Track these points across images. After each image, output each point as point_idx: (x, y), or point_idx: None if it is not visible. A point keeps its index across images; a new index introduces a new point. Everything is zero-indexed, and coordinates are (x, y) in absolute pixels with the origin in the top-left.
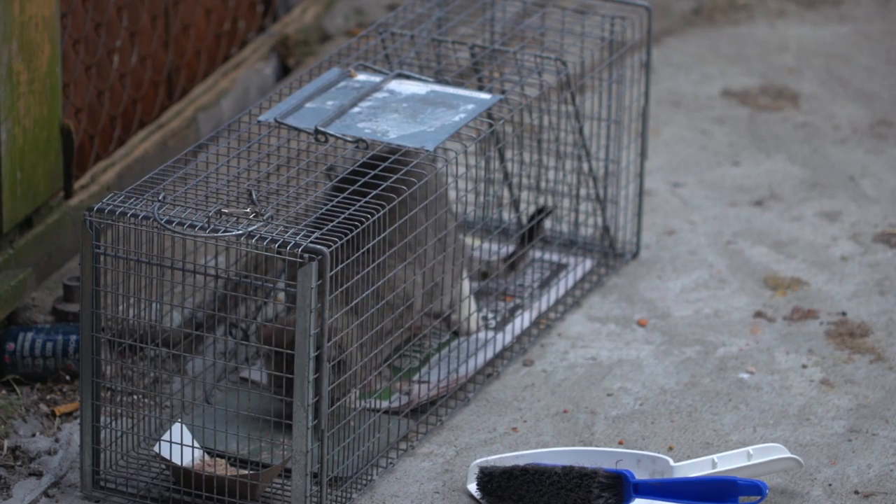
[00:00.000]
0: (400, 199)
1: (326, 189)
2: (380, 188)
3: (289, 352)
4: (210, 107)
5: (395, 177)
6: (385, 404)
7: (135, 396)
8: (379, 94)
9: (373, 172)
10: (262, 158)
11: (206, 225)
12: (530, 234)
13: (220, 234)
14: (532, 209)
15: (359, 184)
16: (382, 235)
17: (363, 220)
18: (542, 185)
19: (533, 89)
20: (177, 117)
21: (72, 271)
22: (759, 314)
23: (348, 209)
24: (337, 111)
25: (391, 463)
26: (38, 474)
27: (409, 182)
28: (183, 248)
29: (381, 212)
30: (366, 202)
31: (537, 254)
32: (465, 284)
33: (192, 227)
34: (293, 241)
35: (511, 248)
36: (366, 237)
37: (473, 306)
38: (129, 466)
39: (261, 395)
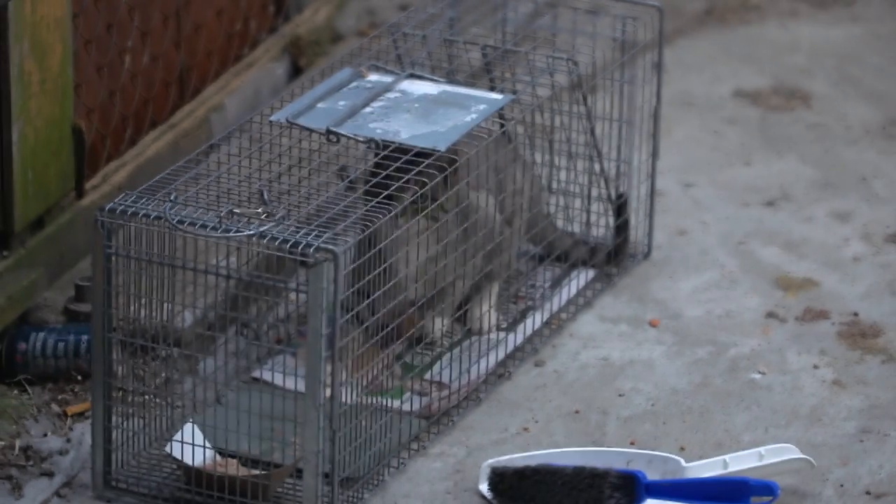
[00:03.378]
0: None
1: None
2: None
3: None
4: (222, 107)
5: (408, 175)
6: (397, 403)
7: (146, 396)
8: (391, 95)
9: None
10: (274, 158)
11: (218, 225)
12: (618, 217)
13: (231, 234)
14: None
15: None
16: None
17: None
18: (554, 185)
19: (544, 90)
20: (189, 117)
21: (83, 271)
22: (770, 314)
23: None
24: (349, 111)
25: (403, 463)
26: (50, 474)
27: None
28: (195, 249)
29: (395, 210)
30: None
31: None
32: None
33: (204, 227)
34: (305, 241)
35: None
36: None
37: (489, 305)
38: (140, 466)
39: (272, 394)
